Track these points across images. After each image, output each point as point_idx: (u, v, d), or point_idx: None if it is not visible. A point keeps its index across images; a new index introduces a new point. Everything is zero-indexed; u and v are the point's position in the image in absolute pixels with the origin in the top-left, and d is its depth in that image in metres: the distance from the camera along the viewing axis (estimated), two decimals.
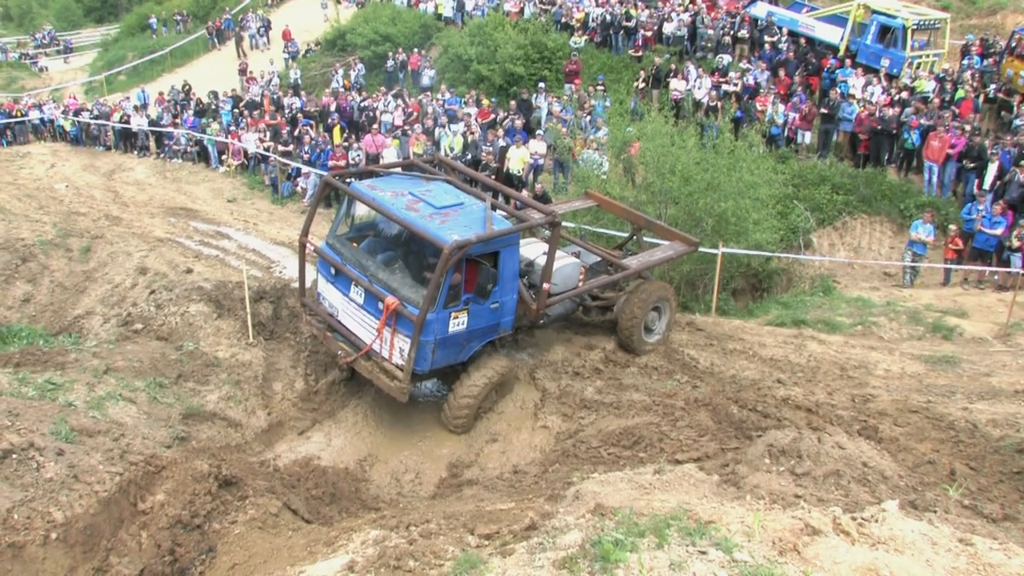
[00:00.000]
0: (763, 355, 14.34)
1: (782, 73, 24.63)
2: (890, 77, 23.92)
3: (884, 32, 24.48)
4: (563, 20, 31.19)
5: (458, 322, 11.65)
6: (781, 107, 23.07)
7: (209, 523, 8.56)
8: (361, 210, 13.04)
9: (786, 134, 23.10)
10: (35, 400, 10.14)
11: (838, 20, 26.11)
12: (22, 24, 65.87)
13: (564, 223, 18.97)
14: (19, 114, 36.67)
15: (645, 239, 16.37)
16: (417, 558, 5.76)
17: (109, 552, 8.08)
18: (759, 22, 27.40)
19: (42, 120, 36.30)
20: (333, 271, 12.53)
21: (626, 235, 16.98)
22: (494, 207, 12.41)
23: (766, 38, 26.25)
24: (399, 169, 14.53)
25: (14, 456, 8.34)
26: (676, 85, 24.96)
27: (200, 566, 8.11)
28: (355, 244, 12.74)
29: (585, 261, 14.42)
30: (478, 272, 11.61)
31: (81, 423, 9.65)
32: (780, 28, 26.55)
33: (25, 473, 8.24)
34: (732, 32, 27.39)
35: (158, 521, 8.40)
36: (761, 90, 23.80)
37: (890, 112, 21.49)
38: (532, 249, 13.90)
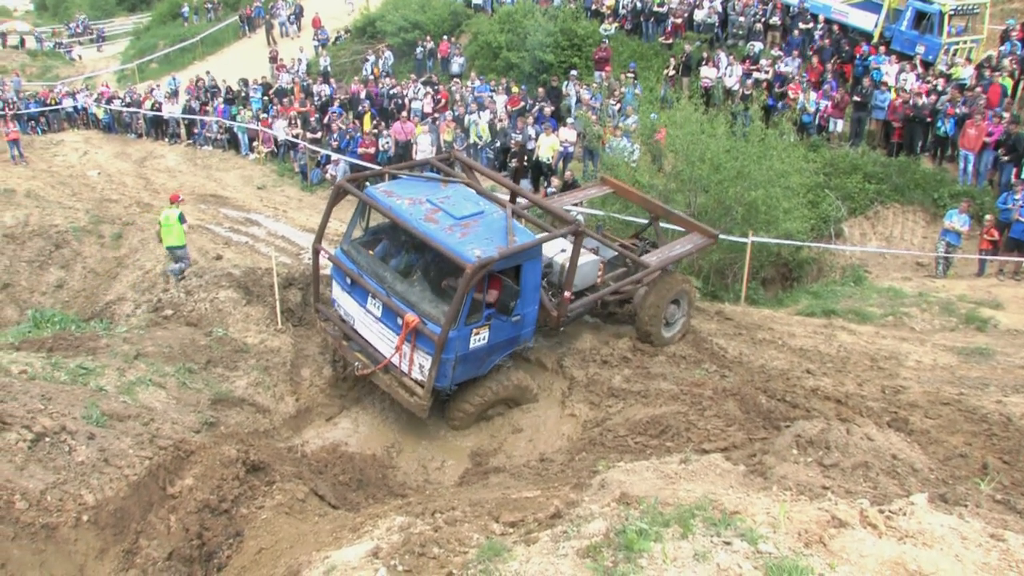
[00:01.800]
0: (792, 345, 14.22)
1: (815, 61, 24.36)
2: (926, 64, 23.51)
3: (920, 18, 24.05)
4: (593, 7, 30.97)
5: (479, 337, 11.47)
6: (813, 95, 22.82)
7: (236, 508, 8.62)
8: (376, 213, 12.67)
9: (818, 122, 22.85)
10: (67, 384, 10.29)
11: (872, 6, 25.70)
12: (57, 13, 66.65)
13: (590, 210, 18.99)
14: (53, 102, 37.16)
15: (663, 227, 16.08)
16: (441, 545, 5.76)
17: (139, 535, 8.18)
18: (791, 9, 27.07)
19: (75, 108, 36.78)
20: (349, 280, 12.32)
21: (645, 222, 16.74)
22: (515, 214, 12.22)
23: (799, 25, 25.94)
24: (411, 169, 14.26)
25: (47, 439, 8.47)
26: (707, 73, 24.77)
27: (227, 550, 8.16)
28: (370, 251, 12.49)
29: (604, 256, 14.18)
30: (501, 288, 11.42)
31: (112, 408, 9.77)
32: (813, 15, 26.21)
33: (57, 456, 8.36)
34: (764, 19, 27.09)
35: (186, 505, 8.48)
36: (793, 78, 23.54)
37: (923, 100, 21.16)
38: (550, 246, 13.57)
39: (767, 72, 23.93)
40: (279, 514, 8.54)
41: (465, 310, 10.95)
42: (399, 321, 11.22)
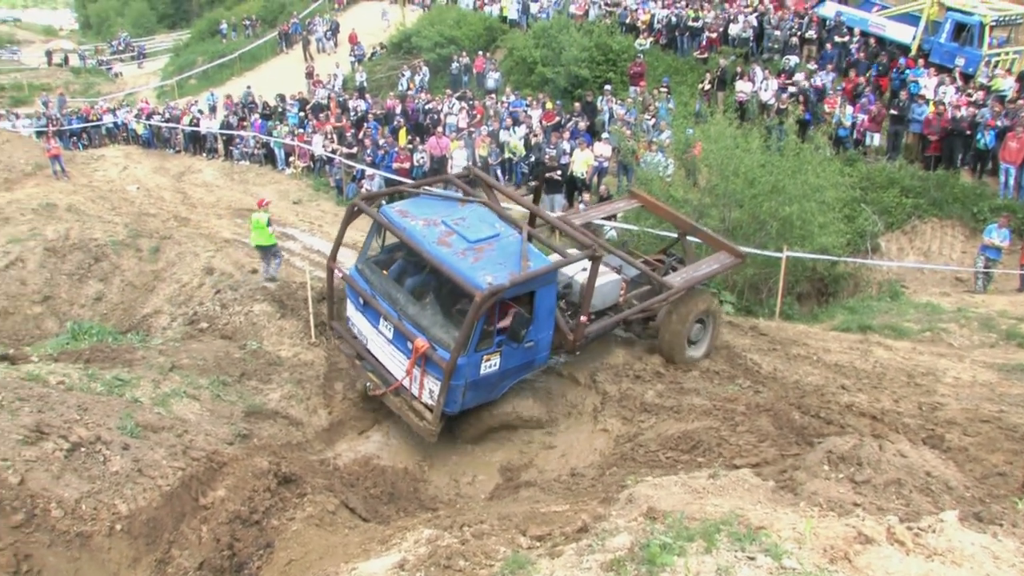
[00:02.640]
0: (827, 360, 14.06)
1: (852, 74, 24.19)
2: (965, 77, 23.25)
3: (960, 30, 23.79)
4: (628, 22, 31.02)
5: (490, 364, 11.34)
6: (849, 109, 22.65)
7: (267, 519, 8.67)
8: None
9: (854, 136, 22.65)
10: (103, 395, 10.45)
11: (910, 19, 25.49)
12: (100, 32, 67.87)
13: (624, 225, 18.96)
14: (95, 118, 37.82)
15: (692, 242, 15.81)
16: (468, 558, 5.76)
17: (171, 545, 8.27)
18: (827, 22, 26.92)
19: (116, 124, 37.44)
20: (362, 300, 12.28)
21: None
22: (531, 237, 12.06)
23: (835, 38, 25.78)
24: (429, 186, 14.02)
25: (82, 449, 8.61)
26: (742, 87, 24.69)
27: (257, 561, 8.22)
28: (385, 270, 12.43)
29: (627, 274, 13.90)
30: (512, 316, 11.23)
31: (146, 419, 9.92)
32: (849, 28, 26.03)
33: (92, 466, 8.50)
34: (799, 33, 26.97)
35: (218, 516, 8.55)
36: (828, 92, 23.38)
37: (962, 112, 20.91)
38: (571, 266, 13.39)
39: (803, 86, 23.76)
40: (309, 526, 8.59)
41: (475, 337, 10.86)
42: (410, 345, 11.16)
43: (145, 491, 8.50)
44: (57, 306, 17.15)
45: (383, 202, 13.33)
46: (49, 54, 59.13)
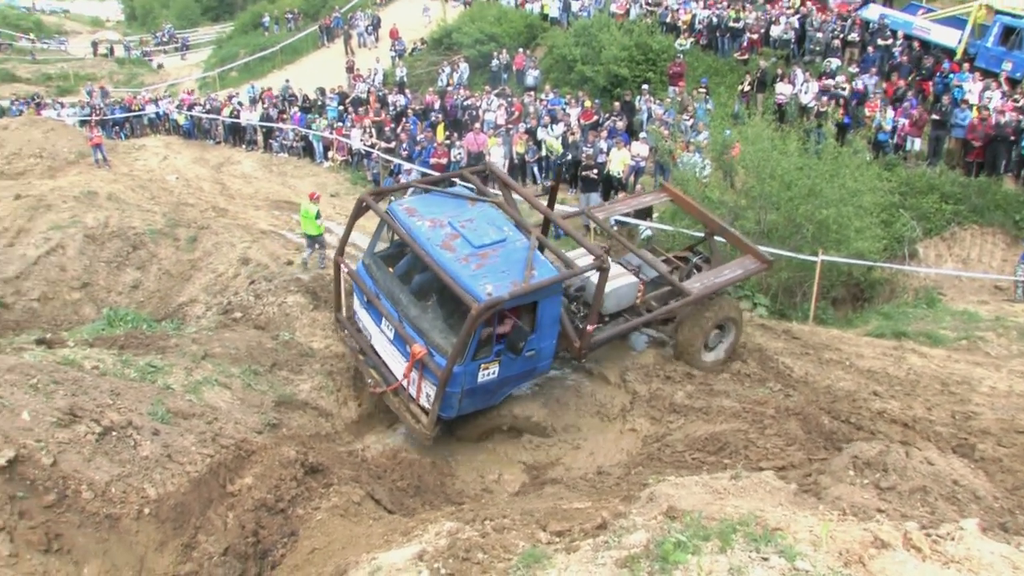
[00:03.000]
0: (860, 366, 13.95)
1: (894, 77, 23.91)
2: (1012, 82, 22.86)
3: (1008, 33, 23.35)
4: (669, 21, 30.90)
5: (488, 372, 11.21)
6: (890, 112, 22.39)
7: (293, 508, 8.76)
8: None
9: (895, 140, 22.40)
10: (136, 381, 10.59)
11: (956, 22, 25.10)
12: (145, 23, 68.75)
13: (659, 225, 18.89)
14: (137, 108, 38.30)
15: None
16: (486, 551, 5.79)
17: (197, 530, 8.36)
18: (871, 25, 26.63)
19: (157, 114, 37.86)
20: (366, 297, 12.22)
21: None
22: (541, 246, 11.80)
23: (878, 41, 25.48)
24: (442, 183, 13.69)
25: (114, 433, 8.72)
26: (781, 89, 24.49)
27: (281, 549, 8.31)
28: (391, 267, 12.35)
29: (646, 275, 13.71)
30: (511, 327, 11.06)
31: (177, 405, 10.04)
32: (893, 31, 25.72)
33: (123, 450, 8.61)
34: (842, 35, 26.70)
35: (244, 503, 8.65)
36: (870, 95, 23.12)
37: (1006, 118, 20.59)
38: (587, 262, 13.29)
39: (843, 89, 23.52)
40: (334, 516, 8.66)
41: (473, 346, 10.72)
42: (409, 348, 11.09)
43: (174, 476, 8.60)
44: (95, 293, 17.41)
45: (392, 198, 13.11)
46: (95, 45, 60.12)
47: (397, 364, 11.60)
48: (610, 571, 4.84)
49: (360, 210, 12.47)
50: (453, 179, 13.85)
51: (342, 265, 12.95)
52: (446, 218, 11.90)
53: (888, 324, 16.10)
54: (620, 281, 12.98)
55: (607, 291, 12.38)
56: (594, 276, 12.18)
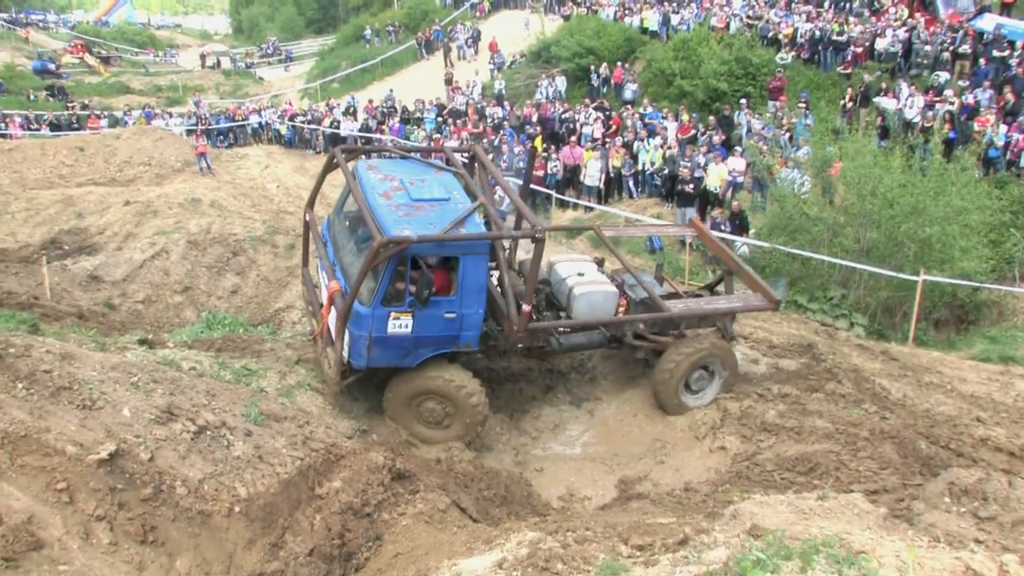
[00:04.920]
0: (963, 391, 13.46)
1: (1006, 91, 23.01)
2: None
3: None
4: (771, 35, 30.43)
5: (400, 324, 10.83)
6: (1003, 128, 21.54)
7: (379, 512, 8.89)
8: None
9: (1007, 157, 21.54)
10: (231, 383, 10.87)
11: None
12: (251, 36, 70.94)
13: (756, 242, 18.57)
14: (240, 118, 39.43)
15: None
16: (566, 562, 5.77)
17: (285, 530, 8.57)
18: (984, 36, 25.63)
19: (260, 124, 38.89)
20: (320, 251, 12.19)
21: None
22: (487, 214, 11.49)
23: (993, 52, 24.49)
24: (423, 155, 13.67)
25: (208, 433, 9.01)
26: (886, 104, 23.82)
27: (366, 552, 8.42)
28: (348, 223, 12.17)
29: (635, 295, 13.18)
30: (419, 275, 10.67)
31: (270, 408, 10.29)
32: (1010, 42, 24.68)
33: (216, 449, 8.89)
34: (952, 47, 25.80)
35: (331, 506, 8.83)
36: (982, 110, 22.29)
37: None
38: (567, 268, 13.07)
39: (952, 104, 22.73)
40: (419, 522, 8.74)
41: (382, 288, 10.56)
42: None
43: (264, 477, 8.82)
44: (196, 296, 17.96)
45: (365, 158, 13.03)
46: (203, 57, 62.28)
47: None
48: None
49: (330, 164, 12.56)
50: (435, 152, 13.92)
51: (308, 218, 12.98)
52: (401, 176, 11.87)
53: (995, 348, 15.49)
54: (596, 288, 12.62)
55: (577, 294, 12.31)
56: (572, 280, 12.39)
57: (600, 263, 13.84)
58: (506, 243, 12.80)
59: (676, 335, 13.07)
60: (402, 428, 11.74)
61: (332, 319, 11.24)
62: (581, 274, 12.89)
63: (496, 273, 12.15)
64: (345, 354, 11.01)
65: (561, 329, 12.58)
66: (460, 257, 10.92)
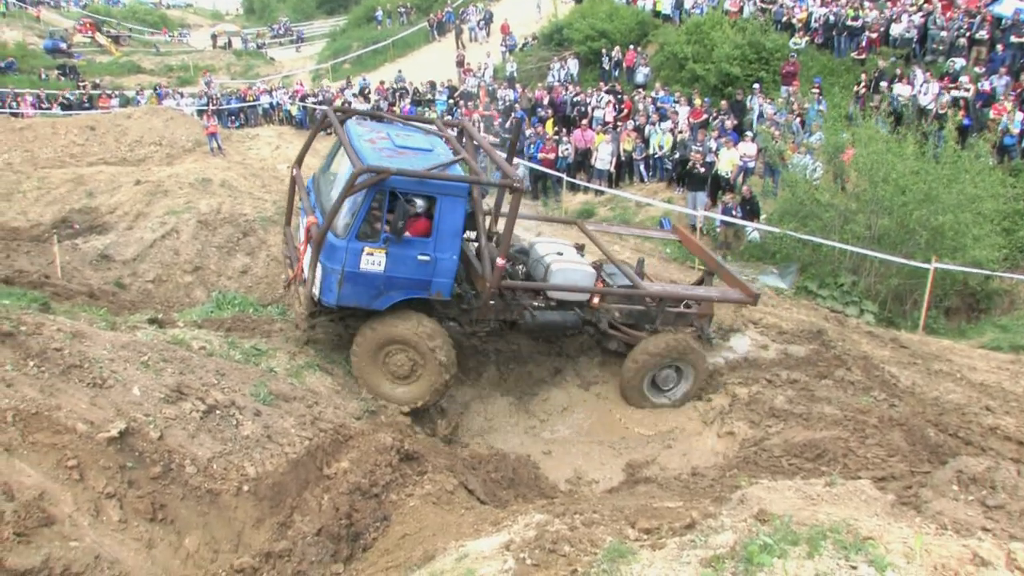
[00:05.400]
0: (972, 379, 13.44)
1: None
2: None
3: None
4: (784, 19, 30.20)
5: (373, 260, 10.85)
6: (1019, 115, 21.36)
7: (387, 493, 8.95)
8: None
9: (1023, 145, 21.37)
10: (241, 363, 10.90)
11: None
12: (263, 16, 70.92)
13: (767, 227, 18.50)
14: (251, 99, 39.45)
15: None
16: (573, 544, 5.79)
17: (293, 510, 8.63)
18: (1003, 21, 25.32)
19: (271, 104, 38.85)
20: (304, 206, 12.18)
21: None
22: (469, 168, 11.68)
23: (1011, 38, 24.20)
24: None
25: (217, 412, 9.06)
26: (900, 90, 23.64)
27: (373, 532, 8.47)
28: (333, 180, 12.13)
29: (613, 281, 13.13)
30: (395, 207, 10.72)
31: (279, 388, 10.32)
32: None
33: (225, 428, 8.93)
34: (969, 33, 25.53)
35: (340, 486, 8.89)
36: (999, 97, 22.07)
37: None
38: (547, 247, 13.18)
39: (967, 90, 22.53)
40: (426, 503, 8.79)
41: (357, 224, 10.66)
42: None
43: (273, 456, 8.87)
44: (206, 276, 17.97)
45: (357, 118, 13.21)
46: (214, 37, 62.25)
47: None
48: (694, 570, 4.79)
49: (322, 123, 12.87)
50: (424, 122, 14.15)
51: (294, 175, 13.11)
52: (388, 131, 12.12)
53: (1006, 337, 15.48)
54: (573, 265, 12.70)
55: (554, 269, 12.42)
56: (550, 258, 12.60)
57: (580, 248, 13.93)
58: (485, 210, 12.74)
59: (650, 331, 13.03)
60: (368, 387, 11.67)
61: (308, 258, 11.29)
62: (560, 253, 13.00)
63: (475, 238, 12.21)
64: (316, 289, 11.06)
65: (536, 304, 12.61)
66: (438, 198, 11.00)
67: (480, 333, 12.74)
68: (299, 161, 13.28)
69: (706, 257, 14.72)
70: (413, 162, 11.11)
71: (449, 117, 27.94)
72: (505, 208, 12.31)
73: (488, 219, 13.06)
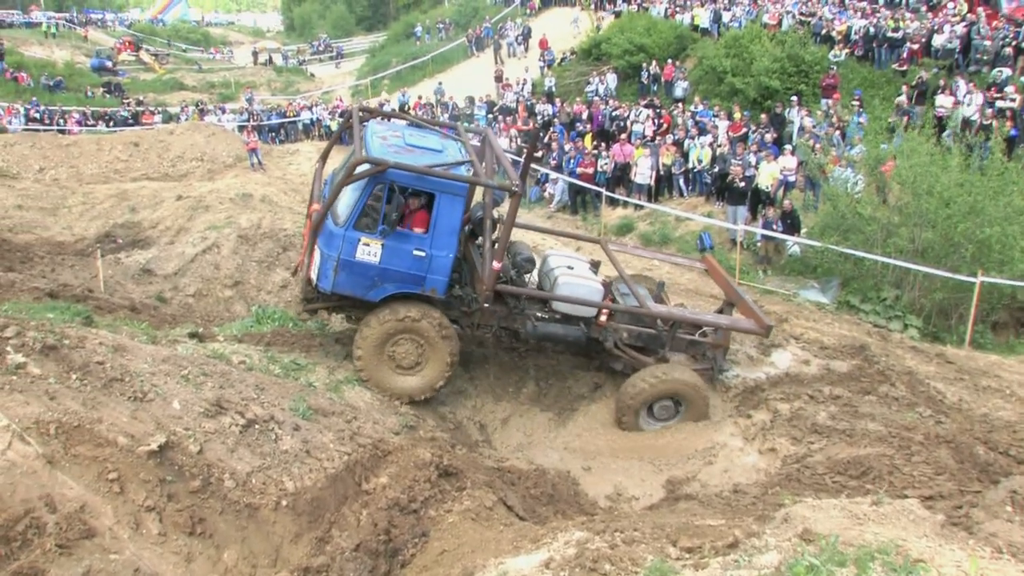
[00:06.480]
0: (1022, 396, 13.12)
1: None
2: None
3: None
4: (823, 32, 29.96)
5: (369, 251, 11.09)
6: None
7: (425, 509, 8.88)
8: None
9: None
10: (280, 378, 10.94)
11: None
12: (303, 33, 71.75)
13: (808, 241, 18.28)
14: (291, 115, 39.79)
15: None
16: (614, 562, 5.69)
17: (332, 525, 8.59)
18: None
19: (311, 120, 39.18)
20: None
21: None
22: (475, 172, 11.64)
23: None
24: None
25: (256, 426, 9.07)
26: (942, 101, 23.31)
27: (412, 548, 8.39)
28: None
29: (626, 301, 13.02)
30: (391, 199, 10.92)
31: (318, 403, 10.34)
32: None
33: (264, 443, 8.94)
34: (1015, 42, 25.08)
35: (378, 502, 8.84)
36: None
37: None
38: (557, 260, 13.21)
39: (1014, 100, 22.14)
40: (465, 519, 8.70)
41: (356, 211, 10.93)
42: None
43: (311, 471, 8.86)
44: (246, 291, 18.12)
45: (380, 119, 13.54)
46: (255, 54, 63.06)
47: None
48: None
49: (347, 121, 13.20)
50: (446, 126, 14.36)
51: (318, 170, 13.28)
52: (405, 132, 12.41)
53: None
54: (580, 280, 12.67)
55: (561, 282, 12.42)
56: (558, 271, 12.60)
57: (596, 265, 13.82)
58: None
59: (658, 358, 12.93)
60: (373, 382, 11.80)
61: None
62: (570, 267, 12.99)
63: (480, 245, 12.30)
64: (313, 274, 11.34)
65: (539, 315, 12.62)
66: (436, 195, 11.22)
67: (482, 337, 13.00)
68: (323, 158, 13.64)
69: (728, 288, 14.36)
70: (418, 160, 11.37)
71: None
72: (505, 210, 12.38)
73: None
